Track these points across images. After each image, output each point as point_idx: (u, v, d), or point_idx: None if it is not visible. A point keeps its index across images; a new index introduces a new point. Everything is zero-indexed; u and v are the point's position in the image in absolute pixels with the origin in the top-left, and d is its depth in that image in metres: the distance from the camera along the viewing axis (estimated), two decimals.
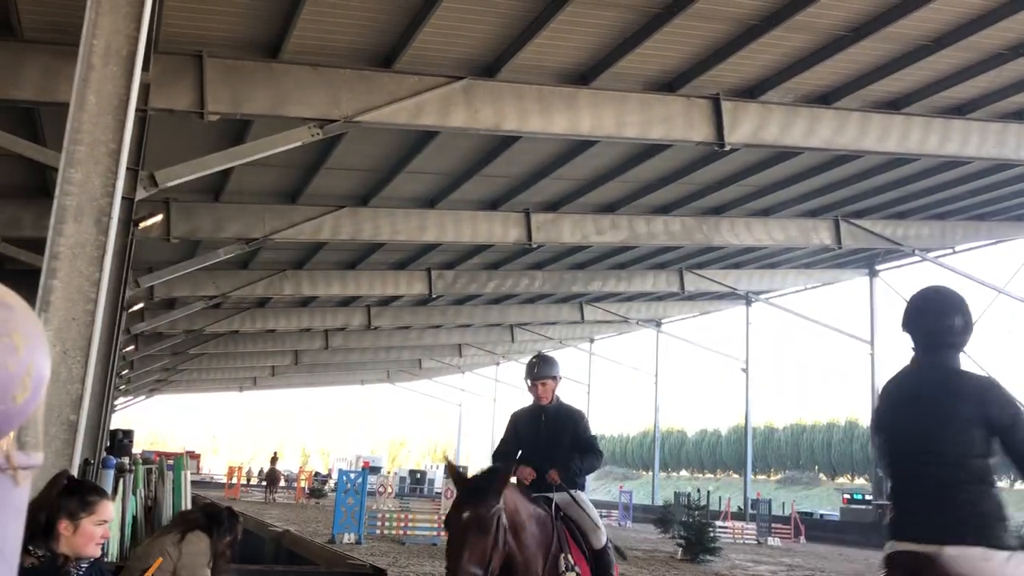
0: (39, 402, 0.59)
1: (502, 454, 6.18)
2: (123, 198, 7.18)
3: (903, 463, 3.59)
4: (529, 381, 6.24)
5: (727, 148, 15.36)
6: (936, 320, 3.76)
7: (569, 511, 5.78)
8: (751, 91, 15.32)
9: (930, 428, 3.46)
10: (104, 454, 10.97)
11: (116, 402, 45.47)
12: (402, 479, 58.71)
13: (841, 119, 15.99)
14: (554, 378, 6.28)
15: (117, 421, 56.55)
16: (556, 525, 5.38)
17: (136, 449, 39.43)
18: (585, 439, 6.14)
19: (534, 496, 5.56)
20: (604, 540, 5.85)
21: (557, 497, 5.76)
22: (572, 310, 38.97)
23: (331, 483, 56.64)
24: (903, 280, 40.54)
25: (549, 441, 6.01)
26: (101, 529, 3.22)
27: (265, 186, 19.66)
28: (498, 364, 61.92)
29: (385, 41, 13.02)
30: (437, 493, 51.02)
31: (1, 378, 0.54)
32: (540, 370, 6.23)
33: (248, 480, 57.69)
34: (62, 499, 3.17)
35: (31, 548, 3.00)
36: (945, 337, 3.74)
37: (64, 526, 3.11)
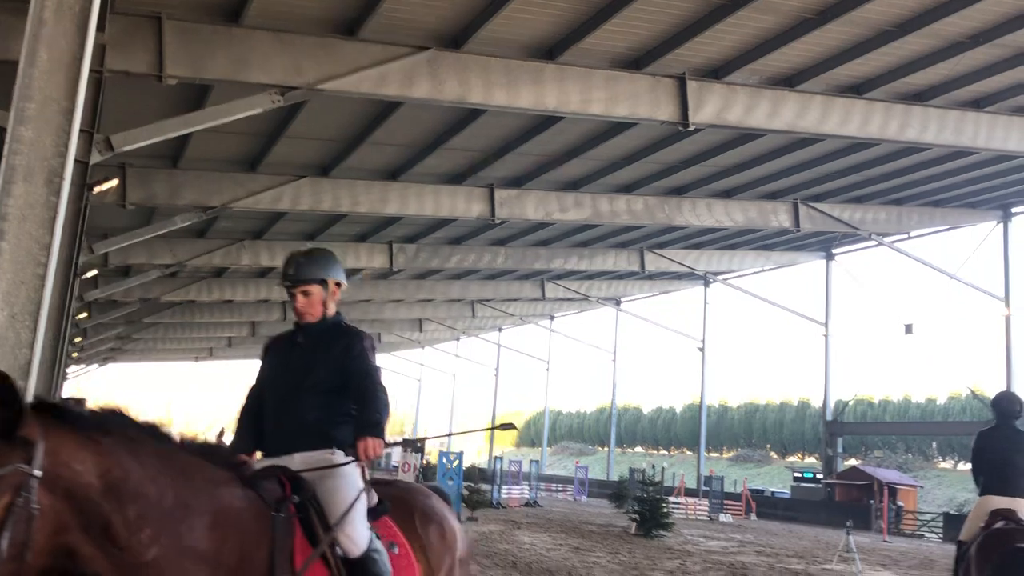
0: None
1: (245, 410, 4.21)
2: (77, 161, 6.98)
3: (996, 465, 7.04)
4: (287, 288, 4.22)
5: (691, 128, 15.42)
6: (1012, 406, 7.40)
7: (320, 490, 3.72)
8: (716, 72, 15.36)
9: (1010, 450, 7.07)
10: None
11: (68, 370, 44.66)
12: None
13: (804, 102, 16.11)
14: (322, 282, 4.18)
15: (69, 389, 55.62)
16: (279, 519, 3.43)
17: None
18: (359, 371, 3.99)
19: (253, 465, 3.77)
20: (363, 544, 3.71)
21: (299, 461, 3.79)
22: (534, 287, 39.04)
23: None
24: (859, 264, 41.25)
25: (300, 376, 4.00)
26: None
27: (224, 153, 19.31)
28: (458, 340, 61.91)
29: (349, 8, 12.80)
30: (394, 466, 51.01)
31: None
32: (300, 271, 4.17)
33: None
34: None
35: None
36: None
37: None
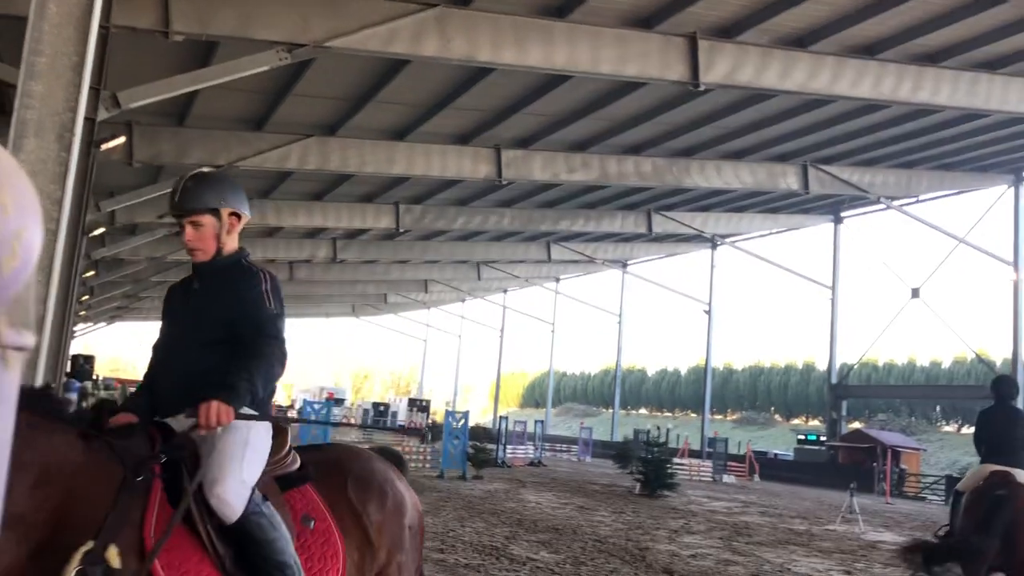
0: (30, 274, 0.53)
1: (148, 369, 3.63)
2: (85, 118, 6.94)
3: (994, 438, 7.82)
4: (175, 218, 3.58)
5: (702, 88, 15.26)
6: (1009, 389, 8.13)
7: (204, 450, 3.19)
8: (728, 31, 15.16)
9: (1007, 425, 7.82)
10: (65, 378, 10.83)
11: (75, 328, 44.89)
12: (366, 411, 59.00)
13: (816, 63, 15.92)
14: (214, 212, 3.46)
15: (77, 347, 55.96)
16: (129, 480, 2.94)
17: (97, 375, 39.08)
18: (249, 320, 3.37)
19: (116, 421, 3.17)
20: (238, 507, 3.11)
21: (187, 422, 3.20)
22: (539, 249, 38.96)
23: (293, 413, 56.81)
24: (867, 227, 41.07)
25: (190, 327, 3.45)
26: None
27: (231, 112, 19.20)
28: (464, 301, 62.01)
29: None
30: (400, 425, 51.43)
31: None
32: (187, 198, 3.46)
33: None
34: None
35: None
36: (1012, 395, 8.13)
37: None
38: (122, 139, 17.11)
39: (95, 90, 11.79)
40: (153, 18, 12.11)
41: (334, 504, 3.56)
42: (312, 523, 3.43)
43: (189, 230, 3.50)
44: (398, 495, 3.86)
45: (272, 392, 3.52)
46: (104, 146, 15.16)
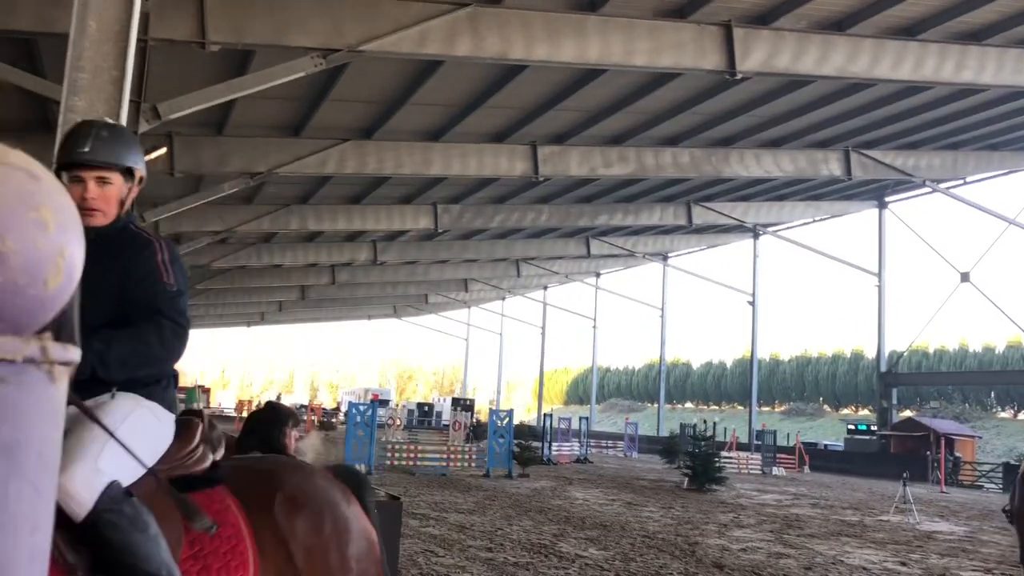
0: (73, 290, 0.52)
1: None
2: None
3: None
4: (67, 170, 2.92)
5: (738, 76, 15.08)
6: None
7: (71, 434, 2.56)
8: (763, 17, 14.97)
9: None
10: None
11: None
12: (410, 412, 59.39)
13: (854, 46, 15.65)
14: (127, 172, 2.97)
15: None
16: None
17: None
18: (139, 299, 2.83)
19: None
20: (88, 500, 2.53)
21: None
22: (578, 244, 38.85)
23: (340, 416, 57.36)
24: (913, 211, 40.28)
25: (85, 295, 1.82)
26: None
27: (268, 119, 19.41)
28: (504, 299, 62.10)
29: None
30: (445, 425, 51.65)
31: (30, 258, 0.48)
32: (100, 149, 2.92)
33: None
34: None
35: None
36: None
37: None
38: (163, 150, 17.40)
39: (135, 103, 11.99)
40: (190, 30, 12.28)
41: (254, 517, 3.08)
42: (213, 528, 2.84)
43: (93, 187, 2.89)
44: (341, 520, 3.31)
45: (166, 377, 2.95)
46: (146, 157, 15.40)
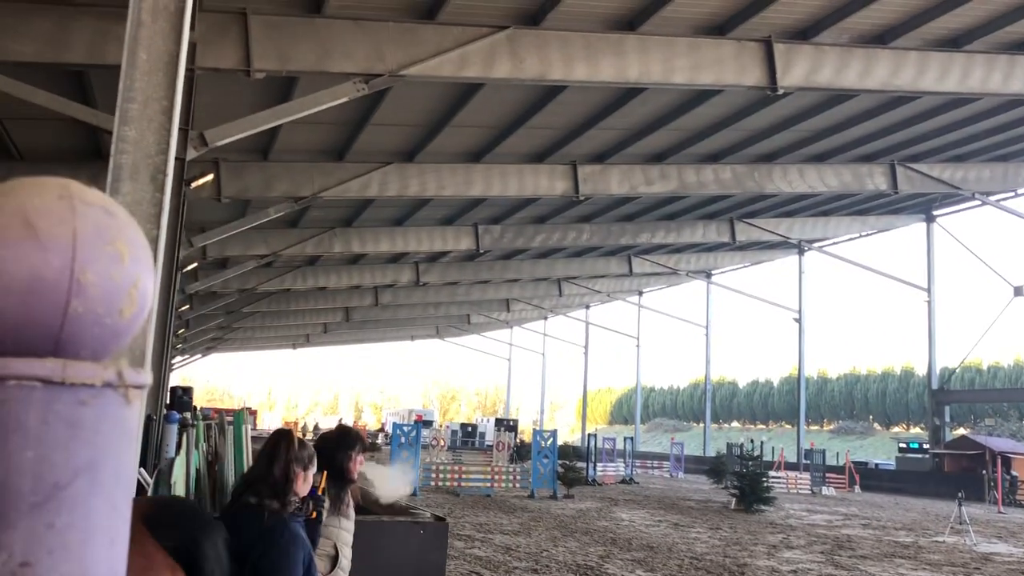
0: (145, 318, 0.55)
1: None
2: (175, 158, 7.22)
3: None
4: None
5: (780, 92, 14.96)
6: None
7: None
8: (804, 32, 14.87)
9: None
10: (165, 410, 11.23)
11: (173, 361, 46.57)
12: (454, 432, 59.48)
13: (898, 59, 15.46)
14: None
15: (175, 379, 57.97)
16: None
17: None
18: None
19: None
20: None
21: None
22: (620, 263, 38.73)
23: (384, 436, 57.64)
24: (962, 225, 39.53)
25: None
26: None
27: (312, 144, 19.71)
28: (546, 319, 62.05)
29: None
30: (488, 445, 51.59)
31: (106, 289, 0.51)
32: None
33: (304, 435, 58.95)
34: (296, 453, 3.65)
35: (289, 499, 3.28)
36: None
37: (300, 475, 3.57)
38: (210, 176, 17.74)
39: (184, 131, 12.28)
40: (236, 58, 12.54)
41: None
42: None
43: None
44: None
45: None
46: (194, 184, 15.75)
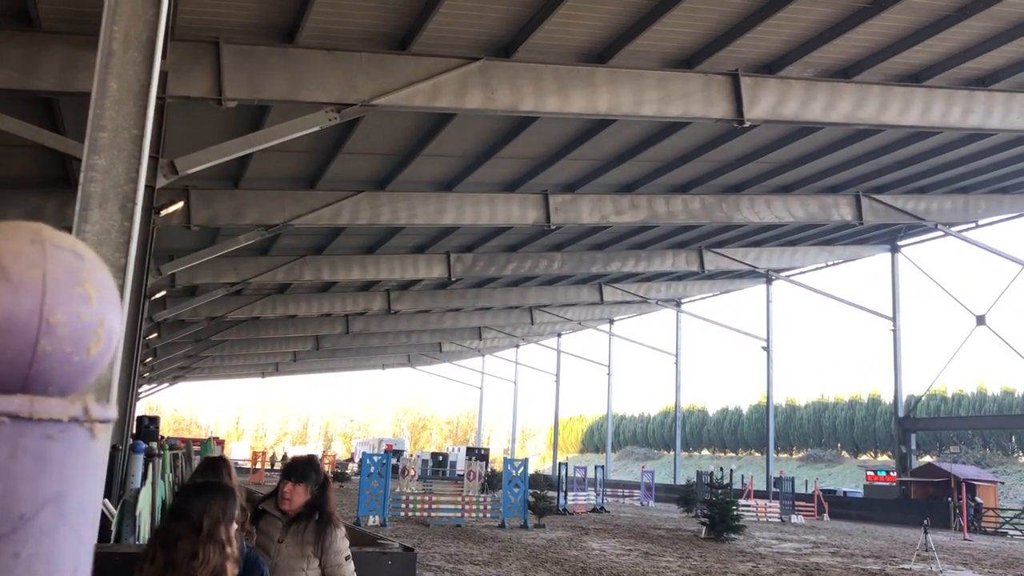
0: (111, 356, 0.58)
1: None
2: (145, 186, 7.21)
3: None
4: None
5: (746, 124, 15.24)
6: None
7: None
8: (770, 66, 15.17)
9: None
10: (131, 440, 11.08)
11: (140, 389, 45.93)
12: (424, 462, 59.05)
13: (862, 93, 15.81)
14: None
15: (141, 408, 57.14)
16: None
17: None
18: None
19: None
20: None
21: None
22: (591, 291, 38.92)
23: (353, 466, 57.07)
24: (926, 255, 40.22)
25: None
26: None
27: (283, 172, 19.70)
28: (518, 347, 62.03)
29: (400, 23, 12.97)
30: (459, 475, 51.26)
31: (75, 328, 0.54)
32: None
33: (272, 465, 58.23)
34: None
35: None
36: None
37: None
38: (180, 204, 17.66)
39: (154, 158, 12.25)
40: (207, 87, 12.55)
41: None
42: None
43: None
44: None
45: None
46: (163, 212, 15.65)
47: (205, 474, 3.86)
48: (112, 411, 0.57)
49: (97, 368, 0.56)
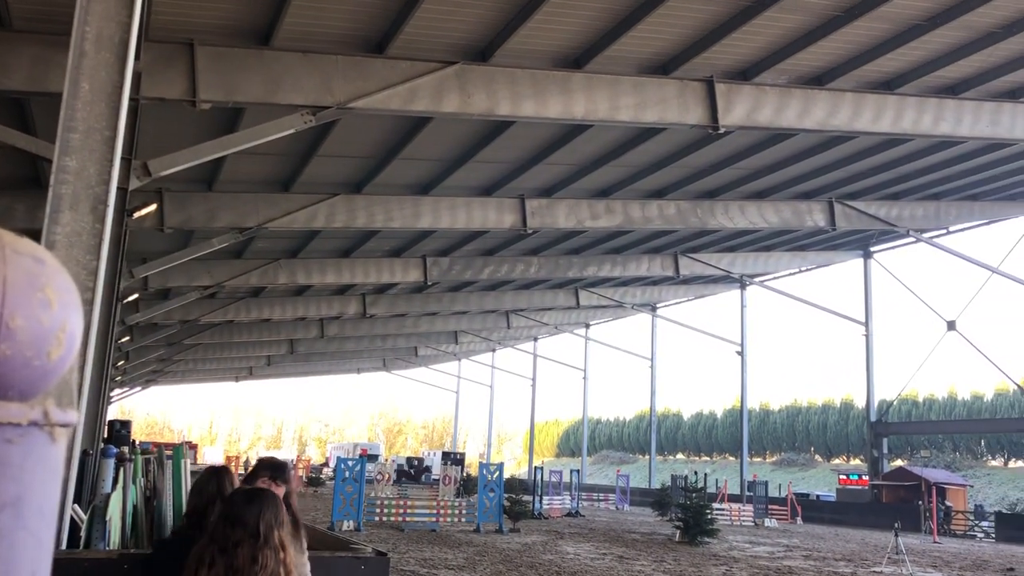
0: (72, 360, 0.58)
1: None
2: (117, 188, 7.14)
3: None
4: None
5: (721, 131, 15.35)
6: None
7: None
8: (745, 73, 15.30)
9: None
10: (102, 444, 10.95)
11: (112, 393, 45.42)
12: (400, 466, 58.82)
13: (835, 100, 15.98)
14: None
15: (113, 412, 56.48)
16: None
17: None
18: None
19: None
20: None
21: None
22: (568, 295, 39.01)
23: (328, 471, 56.76)
24: (898, 261, 40.69)
25: None
26: None
27: (258, 175, 19.58)
28: (494, 351, 62.01)
29: (377, 26, 12.95)
30: (435, 480, 51.15)
31: (35, 333, 0.54)
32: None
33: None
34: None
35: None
36: None
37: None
38: (153, 206, 17.50)
39: (127, 160, 12.13)
40: (181, 88, 12.46)
41: None
42: None
43: None
44: None
45: None
46: (136, 214, 15.50)
47: (209, 484, 3.87)
48: (73, 415, 0.57)
49: (58, 372, 0.56)
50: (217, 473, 4.01)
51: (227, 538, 3.10)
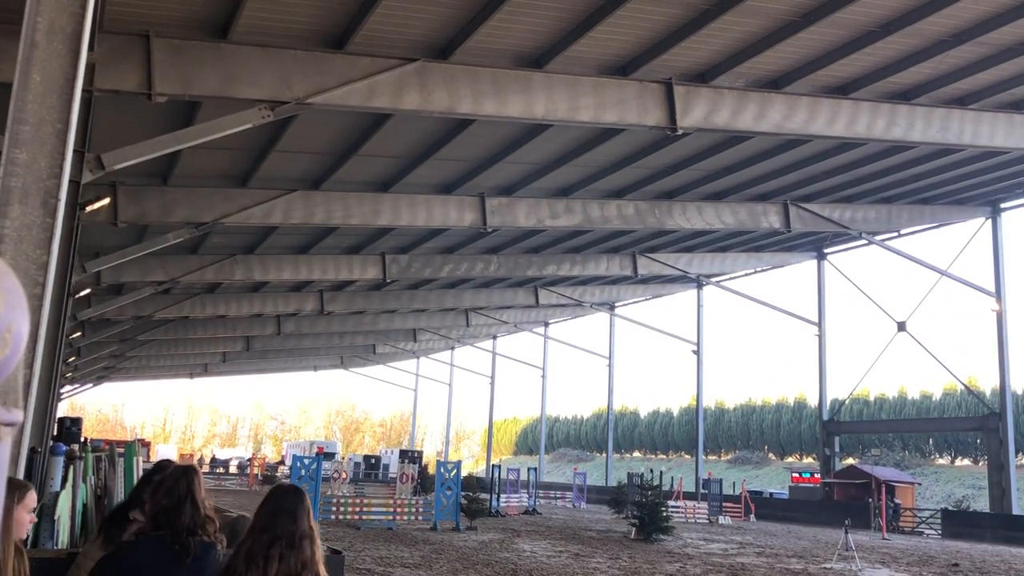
0: (18, 361, 0.59)
1: None
2: (69, 181, 7.01)
3: None
4: None
5: (679, 132, 15.50)
6: None
7: None
8: (703, 75, 15.47)
9: None
10: (51, 442, 10.75)
11: (63, 390, 44.51)
12: (356, 464, 58.46)
13: (791, 104, 16.23)
14: None
15: (63, 409, 55.39)
16: None
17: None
18: None
19: None
20: None
21: None
22: (527, 294, 39.09)
23: (284, 469, 56.20)
24: (850, 263, 41.45)
25: None
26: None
27: (215, 169, 19.34)
28: (453, 348, 61.90)
29: (337, 22, 12.86)
30: (391, 478, 50.93)
31: None
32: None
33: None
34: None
35: None
36: None
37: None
38: (107, 200, 17.19)
39: (79, 153, 11.91)
40: (137, 81, 12.26)
41: None
42: None
43: None
44: None
45: None
46: (89, 208, 15.23)
47: (179, 484, 3.77)
48: (19, 415, 0.57)
49: (4, 373, 0.57)
50: (187, 473, 3.98)
51: (291, 534, 3.24)
